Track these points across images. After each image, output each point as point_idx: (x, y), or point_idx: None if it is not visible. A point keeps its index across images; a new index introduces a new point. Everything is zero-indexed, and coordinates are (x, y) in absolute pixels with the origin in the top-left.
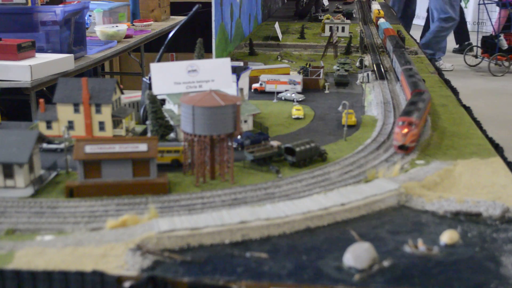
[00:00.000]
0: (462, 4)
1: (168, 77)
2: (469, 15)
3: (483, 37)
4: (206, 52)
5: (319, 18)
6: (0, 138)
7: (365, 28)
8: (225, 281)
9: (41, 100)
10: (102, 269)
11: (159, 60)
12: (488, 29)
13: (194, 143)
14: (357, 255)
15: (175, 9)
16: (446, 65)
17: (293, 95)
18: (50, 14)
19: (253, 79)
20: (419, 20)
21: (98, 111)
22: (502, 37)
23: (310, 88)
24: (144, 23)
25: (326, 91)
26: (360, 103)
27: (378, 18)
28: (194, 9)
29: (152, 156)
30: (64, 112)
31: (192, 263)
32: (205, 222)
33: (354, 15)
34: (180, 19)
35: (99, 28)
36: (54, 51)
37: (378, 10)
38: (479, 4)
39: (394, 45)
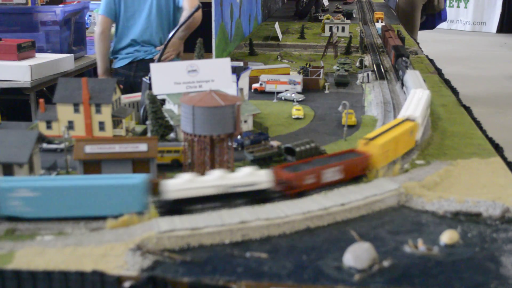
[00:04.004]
0: (462, 4)
1: (168, 77)
2: (469, 15)
3: None
4: (206, 52)
5: (319, 18)
6: (0, 138)
7: (365, 28)
8: (225, 281)
9: (41, 100)
10: (102, 269)
11: (159, 60)
12: (487, 29)
13: (194, 143)
14: (357, 255)
15: None
16: None
17: (293, 95)
18: (50, 14)
19: (253, 79)
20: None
21: (98, 111)
22: None
23: (310, 88)
24: None
25: (326, 91)
26: (360, 103)
27: None
28: (194, 9)
29: (152, 156)
30: (64, 112)
31: (192, 263)
32: (205, 222)
33: (354, 15)
34: None
35: None
36: (54, 51)
37: None
38: None
39: None
